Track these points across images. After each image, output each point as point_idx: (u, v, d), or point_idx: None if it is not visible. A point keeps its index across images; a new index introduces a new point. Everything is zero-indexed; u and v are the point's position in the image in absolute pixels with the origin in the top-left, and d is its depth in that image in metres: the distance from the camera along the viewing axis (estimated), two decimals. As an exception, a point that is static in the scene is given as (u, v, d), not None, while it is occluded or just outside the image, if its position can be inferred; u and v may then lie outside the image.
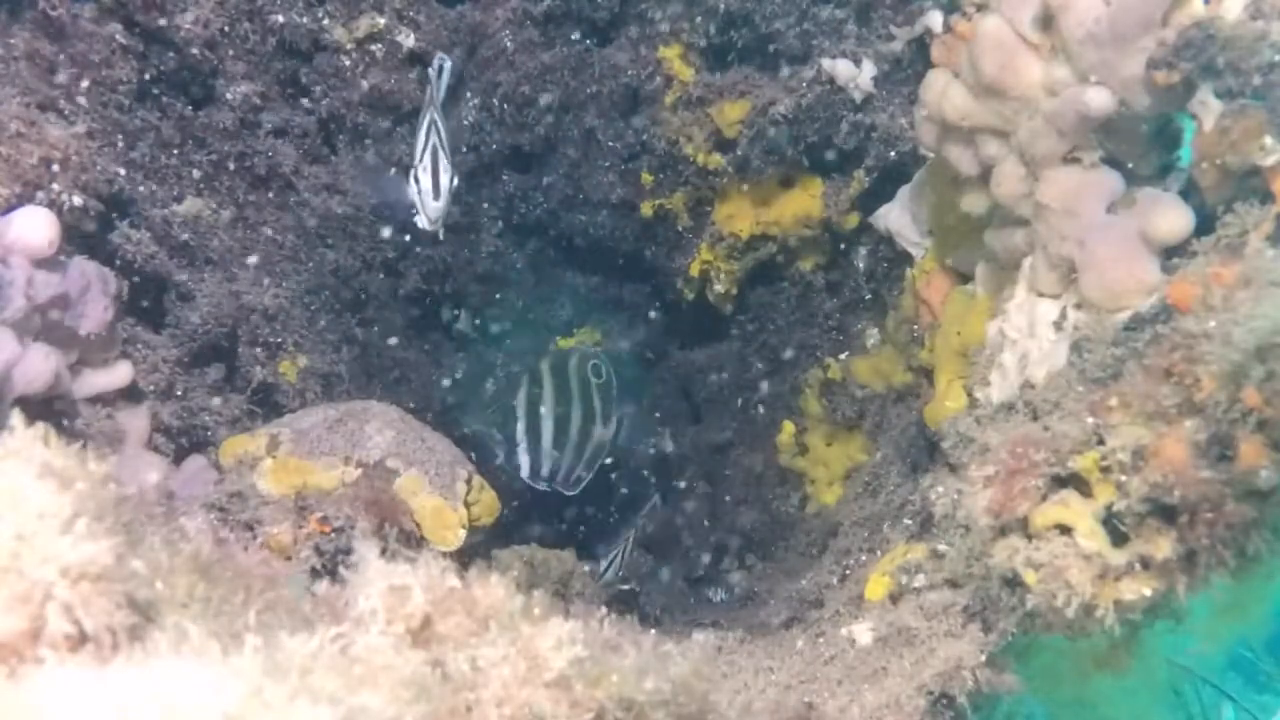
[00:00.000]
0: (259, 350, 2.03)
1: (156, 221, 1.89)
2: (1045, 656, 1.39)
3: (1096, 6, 1.37)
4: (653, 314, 2.73)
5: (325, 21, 2.08)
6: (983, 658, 1.26)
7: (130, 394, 1.68)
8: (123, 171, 1.79)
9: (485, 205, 2.50)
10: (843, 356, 2.40)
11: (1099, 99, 1.39)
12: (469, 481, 1.61)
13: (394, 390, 2.38)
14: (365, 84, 2.12)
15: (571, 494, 2.40)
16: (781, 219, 2.32)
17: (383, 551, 0.73)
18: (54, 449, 0.64)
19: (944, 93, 1.62)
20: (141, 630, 0.61)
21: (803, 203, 2.30)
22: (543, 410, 2.38)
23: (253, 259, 2.05)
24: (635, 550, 2.29)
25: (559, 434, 2.37)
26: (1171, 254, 1.39)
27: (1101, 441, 1.18)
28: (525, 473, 2.36)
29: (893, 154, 2.17)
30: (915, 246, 2.11)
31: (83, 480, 0.63)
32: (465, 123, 2.32)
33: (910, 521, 1.71)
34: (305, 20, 2.06)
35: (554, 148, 2.42)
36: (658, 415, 2.75)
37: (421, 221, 1.75)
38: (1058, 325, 1.52)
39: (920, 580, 1.46)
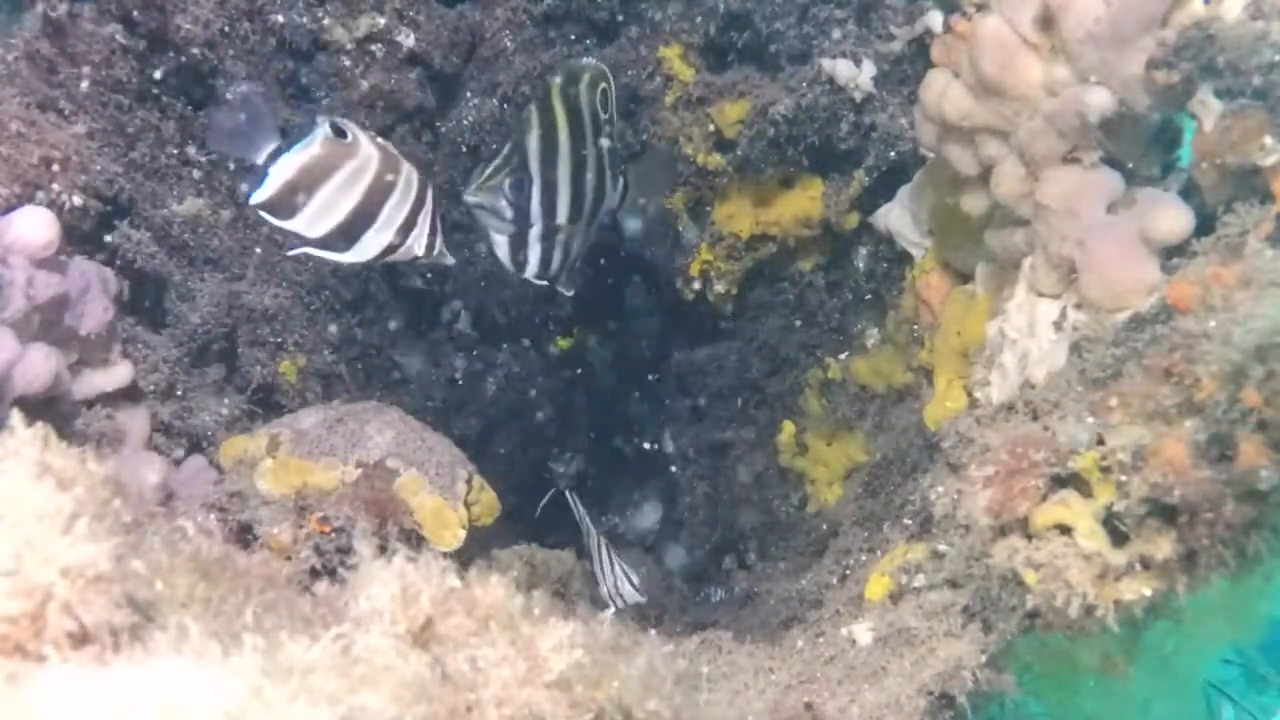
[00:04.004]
0: (259, 350, 2.03)
1: (156, 221, 1.89)
2: (1046, 657, 1.39)
3: (1096, 6, 1.37)
4: (652, 314, 2.73)
5: (325, 21, 2.08)
6: (983, 658, 1.26)
7: (130, 394, 1.68)
8: (123, 171, 1.79)
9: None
10: (843, 356, 2.40)
11: (1099, 99, 1.39)
12: (469, 482, 1.61)
13: (394, 390, 2.38)
14: (365, 84, 2.12)
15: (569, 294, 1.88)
16: (781, 219, 2.32)
17: (383, 551, 0.73)
18: (54, 449, 0.64)
19: (944, 93, 1.62)
20: (142, 630, 0.61)
21: (803, 203, 2.30)
22: (560, 171, 1.69)
23: (253, 259, 2.05)
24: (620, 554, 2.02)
25: (574, 206, 1.72)
26: (1171, 254, 1.39)
27: (1101, 441, 1.18)
28: (533, 269, 1.75)
29: (893, 154, 2.17)
30: (915, 246, 2.11)
31: (82, 481, 0.63)
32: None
33: (910, 521, 1.71)
34: (305, 20, 2.06)
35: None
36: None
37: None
38: (1058, 325, 1.52)
39: (920, 580, 1.46)
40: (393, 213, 1.49)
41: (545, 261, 1.72)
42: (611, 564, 1.94)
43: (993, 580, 1.26)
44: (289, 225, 1.47)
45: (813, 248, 2.39)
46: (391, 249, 1.52)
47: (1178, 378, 1.11)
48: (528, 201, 1.67)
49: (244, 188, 1.55)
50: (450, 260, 1.60)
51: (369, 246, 1.51)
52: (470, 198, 1.67)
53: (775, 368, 2.56)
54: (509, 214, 1.67)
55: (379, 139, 1.50)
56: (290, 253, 1.56)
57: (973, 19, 1.62)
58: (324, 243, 1.49)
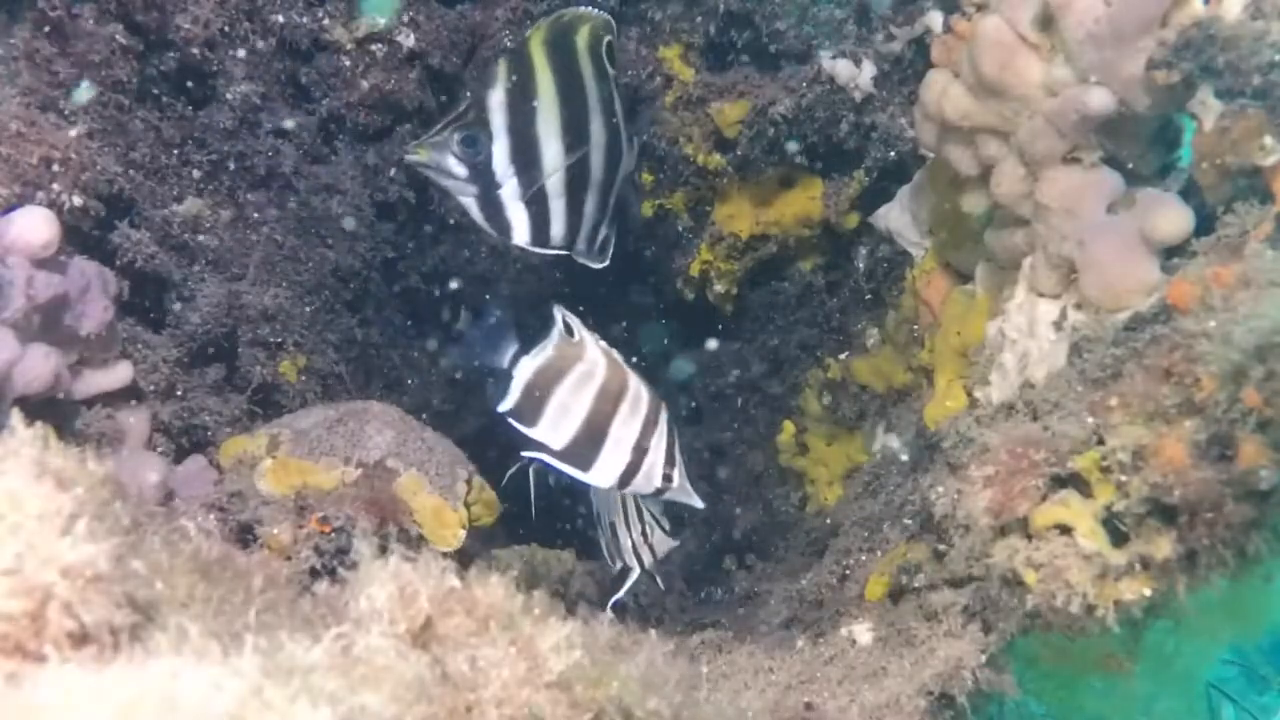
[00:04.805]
0: (259, 350, 2.03)
1: (156, 221, 1.89)
2: (1046, 657, 1.39)
3: (1096, 6, 1.37)
4: (652, 314, 2.73)
5: (325, 21, 2.08)
6: (983, 658, 1.26)
7: (130, 394, 1.68)
8: (122, 171, 1.79)
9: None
10: (843, 356, 2.40)
11: (1099, 99, 1.39)
12: (469, 481, 1.61)
13: (394, 390, 2.38)
14: (365, 84, 2.12)
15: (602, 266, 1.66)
16: (781, 219, 2.32)
17: (383, 551, 0.73)
18: (54, 449, 0.64)
19: (944, 93, 1.62)
20: (142, 630, 0.61)
21: (803, 203, 2.30)
22: (542, 126, 1.48)
23: (253, 259, 2.05)
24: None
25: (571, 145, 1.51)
26: (1171, 254, 1.39)
27: (1101, 441, 1.18)
28: (522, 234, 1.56)
29: (893, 154, 2.17)
30: (915, 246, 2.11)
31: (82, 481, 0.63)
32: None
33: (910, 521, 1.71)
34: (305, 20, 2.06)
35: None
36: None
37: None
38: (1058, 325, 1.52)
39: (920, 580, 1.46)
40: (624, 425, 1.44)
41: (540, 226, 1.55)
42: (639, 512, 1.80)
43: (993, 580, 1.26)
44: (535, 434, 1.45)
45: (813, 248, 2.39)
46: (631, 470, 1.45)
47: (1178, 378, 1.11)
48: (486, 158, 1.49)
49: (491, 398, 1.49)
50: (699, 503, 1.51)
51: (609, 461, 1.45)
52: (410, 156, 1.49)
53: (775, 368, 2.56)
54: (462, 172, 1.50)
55: (603, 342, 1.46)
56: (532, 457, 1.50)
57: (973, 19, 1.62)
58: (566, 455, 1.46)
